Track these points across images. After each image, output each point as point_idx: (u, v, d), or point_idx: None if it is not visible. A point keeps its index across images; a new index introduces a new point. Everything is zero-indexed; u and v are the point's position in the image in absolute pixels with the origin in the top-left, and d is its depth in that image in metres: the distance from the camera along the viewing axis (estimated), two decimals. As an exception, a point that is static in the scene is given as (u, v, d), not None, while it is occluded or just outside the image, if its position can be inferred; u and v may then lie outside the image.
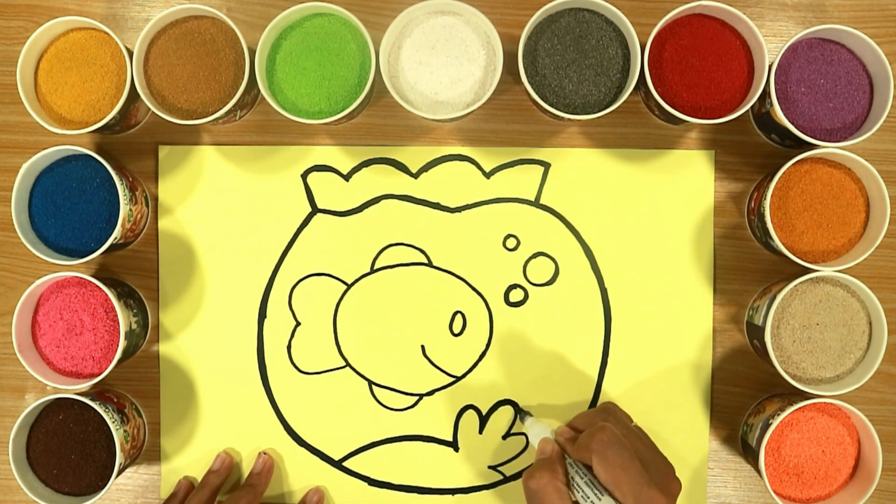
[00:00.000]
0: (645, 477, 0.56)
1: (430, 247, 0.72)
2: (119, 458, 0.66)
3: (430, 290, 0.72)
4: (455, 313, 0.72)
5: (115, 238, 0.66)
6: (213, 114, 0.66)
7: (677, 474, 0.60)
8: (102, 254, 0.67)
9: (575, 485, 0.58)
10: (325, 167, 0.73)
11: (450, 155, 0.73)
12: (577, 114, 0.66)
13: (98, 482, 0.67)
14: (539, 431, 0.65)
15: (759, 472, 0.65)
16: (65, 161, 0.69)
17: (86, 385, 0.70)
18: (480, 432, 0.72)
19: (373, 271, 0.73)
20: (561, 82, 0.66)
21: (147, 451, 0.73)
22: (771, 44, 0.72)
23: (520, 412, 0.71)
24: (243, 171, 0.73)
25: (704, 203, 0.72)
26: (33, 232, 0.68)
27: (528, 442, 0.72)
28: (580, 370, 0.72)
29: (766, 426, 0.66)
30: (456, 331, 0.72)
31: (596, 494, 0.56)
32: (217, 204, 0.73)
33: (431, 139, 0.73)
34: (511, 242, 0.72)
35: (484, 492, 0.72)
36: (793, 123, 0.66)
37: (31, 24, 0.73)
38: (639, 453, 0.58)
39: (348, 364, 0.73)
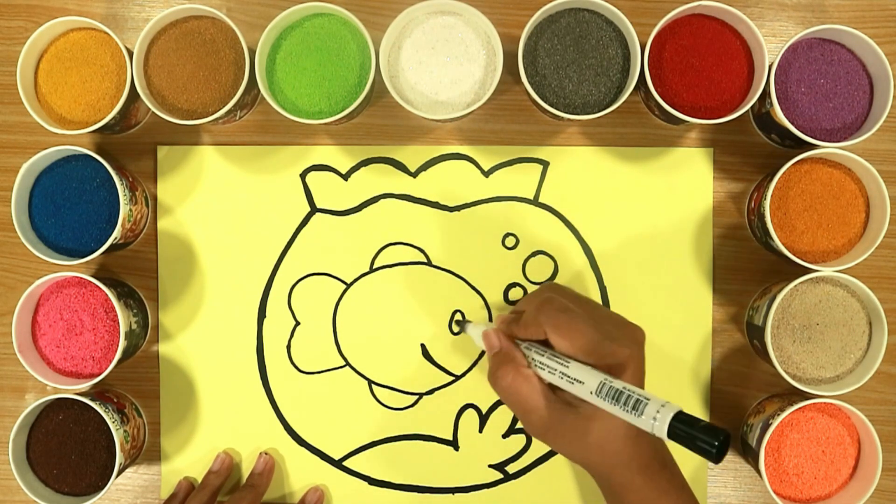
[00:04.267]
0: (603, 332, 0.54)
1: (430, 246, 0.73)
2: (119, 459, 0.66)
3: (429, 289, 0.72)
4: (454, 312, 0.72)
5: (115, 238, 0.66)
6: (213, 114, 0.66)
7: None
8: (102, 254, 0.67)
9: (537, 364, 0.56)
10: (323, 167, 0.73)
11: (448, 154, 0.73)
12: (577, 114, 0.66)
13: (98, 482, 0.67)
14: (482, 328, 0.62)
15: (759, 472, 0.65)
16: (65, 161, 0.69)
17: (86, 385, 0.70)
18: (480, 431, 0.72)
19: (372, 270, 0.73)
20: (561, 82, 0.66)
21: (147, 451, 0.73)
22: (771, 44, 0.72)
23: (460, 324, 0.69)
24: (243, 171, 0.73)
25: (704, 201, 0.72)
26: (33, 232, 0.68)
27: (529, 440, 0.72)
28: (580, 370, 0.72)
29: (766, 426, 0.66)
30: (455, 329, 0.72)
31: (562, 364, 0.55)
32: (216, 204, 0.73)
33: (431, 139, 0.73)
34: (510, 241, 0.72)
35: (484, 490, 0.72)
36: (793, 123, 0.66)
37: (31, 24, 0.73)
38: (590, 314, 0.57)
39: (348, 363, 0.73)
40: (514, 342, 0.59)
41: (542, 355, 0.56)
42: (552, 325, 0.56)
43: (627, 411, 0.50)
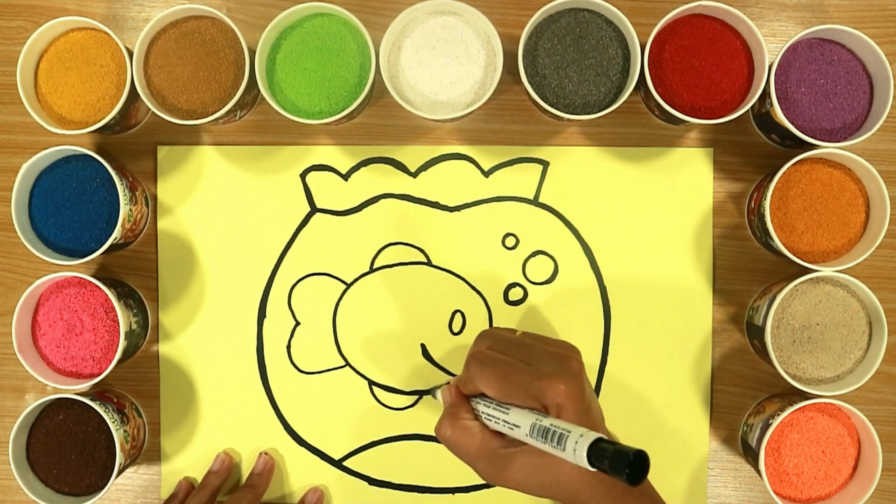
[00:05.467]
0: (530, 373, 0.54)
1: (430, 246, 0.73)
2: (119, 459, 0.66)
3: (429, 289, 0.72)
4: (454, 312, 0.72)
5: (115, 238, 0.66)
6: (213, 114, 0.66)
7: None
8: (102, 254, 0.67)
9: (484, 415, 0.57)
10: (323, 167, 0.73)
11: (448, 154, 0.73)
12: (577, 114, 0.66)
13: (98, 482, 0.67)
14: (441, 390, 0.64)
15: (759, 472, 0.65)
16: (65, 161, 0.69)
17: (86, 385, 0.70)
18: (480, 432, 0.72)
19: (372, 271, 0.73)
20: (561, 82, 0.66)
21: (147, 451, 0.73)
22: (771, 44, 0.72)
23: (431, 391, 0.70)
24: (243, 171, 0.73)
25: (704, 201, 0.72)
26: (33, 232, 0.68)
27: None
28: (580, 370, 0.72)
29: (766, 426, 0.66)
30: (455, 330, 0.72)
31: (502, 411, 0.55)
32: (216, 204, 0.73)
33: (431, 139, 0.73)
34: (510, 241, 0.72)
35: (484, 490, 0.72)
36: (793, 123, 0.66)
37: (31, 24, 0.73)
38: (522, 357, 0.57)
39: (348, 363, 0.73)
40: (463, 397, 0.60)
41: (488, 406, 0.57)
42: (481, 379, 0.56)
43: (554, 446, 0.50)
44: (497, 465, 0.55)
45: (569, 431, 0.49)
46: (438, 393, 0.67)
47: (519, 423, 0.53)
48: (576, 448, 0.48)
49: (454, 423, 0.57)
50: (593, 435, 0.48)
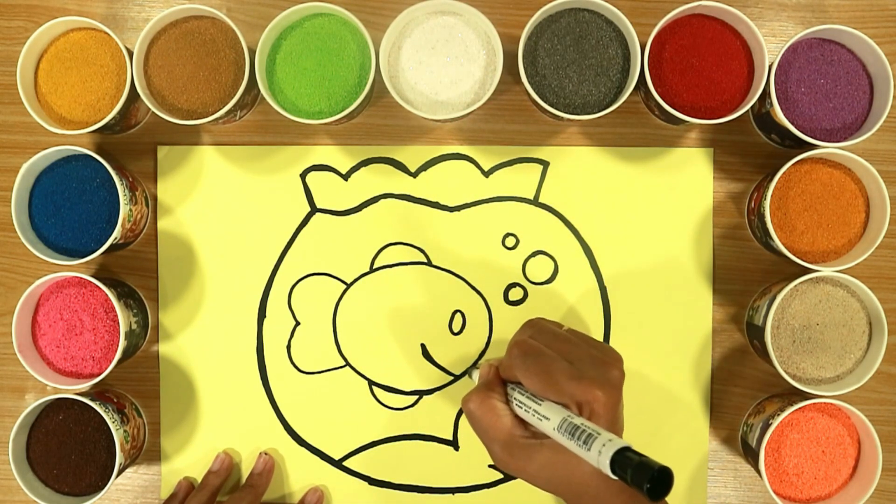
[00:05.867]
0: (572, 373, 0.54)
1: (430, 246, 0.73)
2: (119, 459, 0.66)
3: (429, 289, 0.72)
4: (454, 312, 0.72)
5: (115, 238, 0.66)
6: (213, 114, 0.66)
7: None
8: (102, 254, 0.67)
9: (516, 401, 0.57)
10: (323, 167, 0.73)
11: (448, 154, 0.73)
12: (577, 114, 0.66)
13: (98, 482, 0.67)
14: (479, 366, 0.64)
15: (759, 472, 0.65)
16: (65, 161, 0.69)
17: (86, 385, 0.70)
18: (480, 432, 0.72)
19: (372, 271, 0.73)
20: (561, 82, 0.66)
21: (147, 451, 0.73)
22: (771, 44, 0.72)
23: (469, 371, 0.71)
24: (243, 171, 0.73)
25: (704, 201, 0.72)
26: (33, 232, 0.68)
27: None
28: (580, 370, 0.72)
29: (766, 426, 0.66)
30: (455, 330, 0.72)
31: (535, 402, 0.55)
32: (216, 204, 0.73)
33: (431, 139, 0.73)
34: (510, 241, 0.72)
35: (484, 491, 0.72)
36: (793, 123, 0.66)
37: (31, 24, 0.73)
38: (565, 354, 0.56)
39: (348, 363, 0.73)
40: (500, 378, 0.60)
41: (522, 394, 0.57)
42: (521, 368, 0.56)
43: (579, 445, 0.50)
44: (514, 452, 0.55)
45: (598, 434, 0.49)
46: (475, 373, 0.67)
47: (549, 415, 0.53)
48: (601, 451, 0.48)
49: (484, 399, 0.57)
50: (621, 443, 0.48)
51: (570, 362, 0.55)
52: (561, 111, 0.65)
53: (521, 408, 0.56)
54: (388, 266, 0.73)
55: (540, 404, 0.55)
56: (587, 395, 0.53)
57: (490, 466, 0.72)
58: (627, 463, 0.47)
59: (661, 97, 0.65)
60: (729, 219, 0.72)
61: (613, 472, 0.47)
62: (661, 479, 0.45)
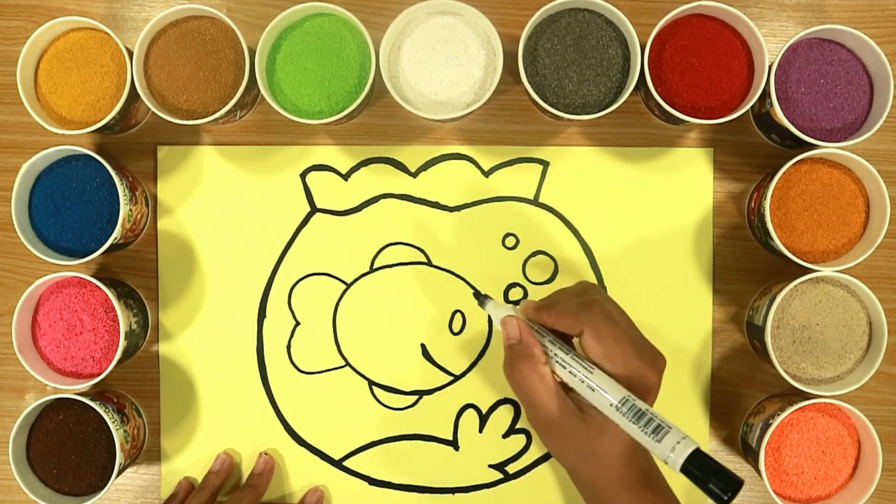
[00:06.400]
0: (634, 351, 0.54)
1: (430, 246, 0.73)
2: (119, 459, 0.66)
3: (429, 289, 0.72)
4: (454, 312, 0.72)
5: (115, 238, 0.66)
6: (213, 114, 0.66)
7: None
8: (102, 254, 0.67)
9: (559, 360, 0.55)
10: (323, 167, 0.73)
11: (448, 154, 0.73)
12: (577, 114, 0.66)
13: (98, 482, 0.67)
14: (502, 312, 0.59)
15: (759, 472, 0.65)
16: (65, 161, 0.69)
17: (86, 385, 0.70)
18: (480, 431, 0.72)
19: (372, 270, 0.73)
20: (561, 82, 0.66)
21: (147, 451, 0.73)
22: (771, 44, 0.72)
23: (479, 297, 0.63)
24: (243, 171, 0.73)
25: (704, 201, 0.72)
26: (33, 232, 0.68)
27: (528, 440, 0.72)
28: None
29: (766, 426, 0.66)
30: (455, 329, 0.72)
31: (586, 369, 0.54)
32: (216, 204, 0.73)
33: (431, 139, 0.73)
34: (510, 241, 0.72)
35: (484, 490, 0.72)
36: (793, 123, 0.66)
37: (31, 24, 0.73)
38: (629, 331, 0.56)
39: (348, 363, 0.73)
40: (533, 334, 0.58)
41: (567, 353, 0.55)
42: (593, 328, 0.55)
43: (647, 434, 0.50)
44: (556, 420, 0.55)
45: (669, 427, 0.50)
46: (491, 307, 0.61)
47: (606, 388, 0.52)
48: (675, 448, 0.49)
49: (533, 367, 0.55)
50: (693, 443, 0.49)
51: (632, 340, 0.56)
52: (561, 111, 0.65)
53: (566, 368, 0.55)
54: (388, 266, 0.73)
55: (592, 372, 0.54)
56: (646, 378, 0.53)
57: (490, 466, 0.72)
58: (707, 465, 0.48)
59: (661, 97, 0.65)
60: (729, 219, 0.72)
61: (683, 469, 0.48)
62: (736, 491, 0.47)
